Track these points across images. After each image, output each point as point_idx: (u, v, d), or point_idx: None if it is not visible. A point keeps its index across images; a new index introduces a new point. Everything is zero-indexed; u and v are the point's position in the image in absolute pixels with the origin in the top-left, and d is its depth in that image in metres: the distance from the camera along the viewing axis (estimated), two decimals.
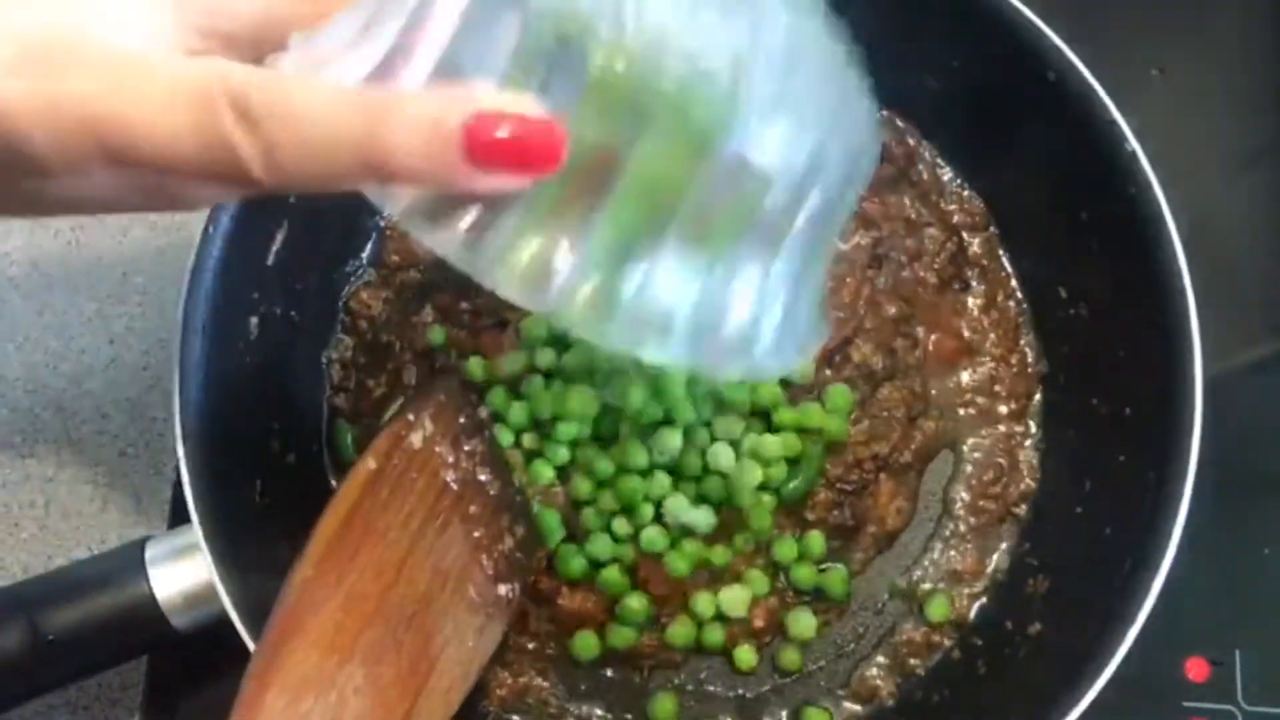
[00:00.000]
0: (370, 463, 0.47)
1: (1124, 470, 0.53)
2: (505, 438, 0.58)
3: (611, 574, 0.56)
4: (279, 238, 0.57)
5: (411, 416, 0.49)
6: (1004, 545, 0.59)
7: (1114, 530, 0.52)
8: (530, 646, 0.57)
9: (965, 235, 0.62)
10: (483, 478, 0.50)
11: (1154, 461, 0.51)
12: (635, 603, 0.56)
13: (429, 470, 0.49)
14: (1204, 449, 0.50)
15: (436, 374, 0.59)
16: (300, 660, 0.42)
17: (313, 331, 0.61)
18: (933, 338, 0.60)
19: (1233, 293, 0.63)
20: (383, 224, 0.63)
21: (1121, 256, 0.54)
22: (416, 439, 0.48)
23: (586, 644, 0.56)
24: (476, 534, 0.49)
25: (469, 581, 0.48)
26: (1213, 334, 0.51)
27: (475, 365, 0.60)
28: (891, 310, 0.60)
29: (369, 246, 0.63)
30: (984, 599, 0.58)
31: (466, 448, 0.50)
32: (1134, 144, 0.53)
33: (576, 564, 0.56)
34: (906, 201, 0.62)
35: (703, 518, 0.56)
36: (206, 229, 0.53)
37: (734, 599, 0.56)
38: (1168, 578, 0.49)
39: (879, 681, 0.57)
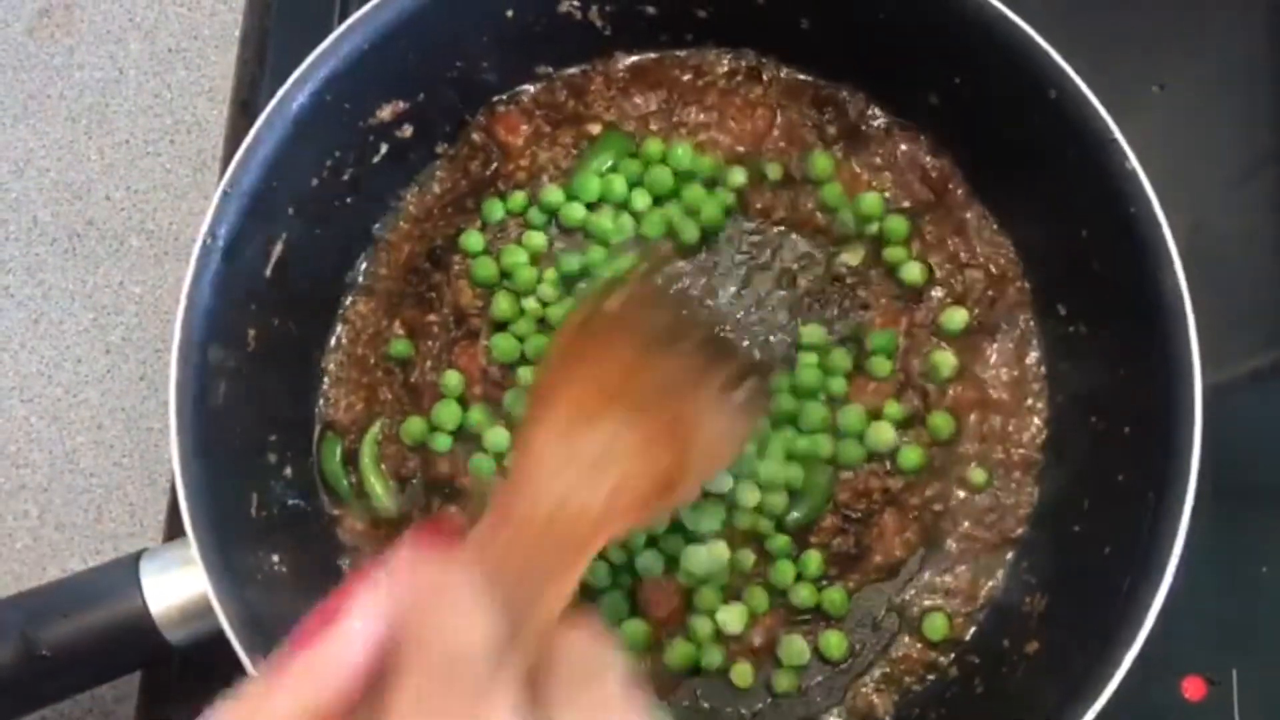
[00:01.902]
0: (577, 314, 0.49)
1: (1123, 489, 0.53)
2: (485, 464, 0.58)
3: (613, 600, 0.56)
4: (277, 249, 0.57)
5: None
6: (1002, 564, 0.58)
7: (1113, 549, 0.52)
8: None
9: (1001, 284, 0.61)
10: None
11: (1153, 481, 0.51)
12: (634, 628, 0.56)
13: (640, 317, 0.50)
14: (1201, 464, 0.50)
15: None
16: (564, 406, 0.44)
17: (311, 344, 0.61)
18: (958, 386, 0.60)
19: (1231, 305, 0.63)
20: (377, 235, 0.63)
21: (1121, 276, 0.54)
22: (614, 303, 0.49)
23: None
24: (702, 353, 0.50)
25: (703, 385, 0.48)
26: (1210, 347, 0.51)
27: (452, 378, 0.60)
28: (924, 350, 0.60)
29: (367, 258, 0.63)
30: (981, 617, 0.58)
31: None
32: (1134, 163, 0.53)
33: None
34: (948, 236, 0.62)
35: (716, 565, 0.56)
36: (205, 240, 0.52)
37: (732, 615, 0.56)
38: (1164, 596, 0.49)
39: (875, 699, 0.57)
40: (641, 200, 0.62)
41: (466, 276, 0.61)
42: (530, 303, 0.60)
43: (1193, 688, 0.58)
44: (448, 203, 0.63)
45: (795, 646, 0.56)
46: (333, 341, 0.62)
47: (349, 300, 0.62)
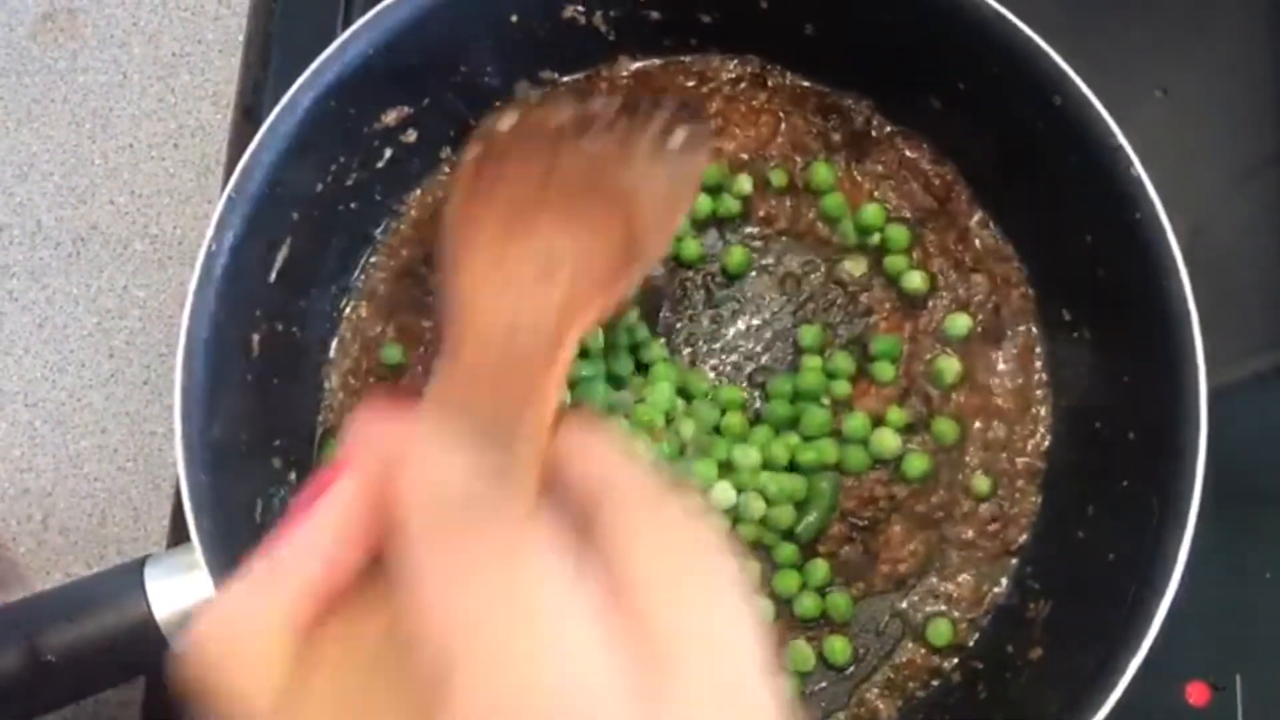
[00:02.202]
0: (474, 146, 0.47)
1: (1128, 495, 0.53)
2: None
3: None
4: (283, 254, 0.57)
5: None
6: (1006, 571, 0.58)
7: (1117, 556, 0.52)
8: None
9: (1004, 290, 0.61)
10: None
11: (1157, 486, 0.51)
12: None
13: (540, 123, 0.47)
14: (1206, 469, 0.50)
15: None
16: (487, 235, 0.41)
17: (315, 349, 0.61)
18: (962, 393, 0.60)
19: (1235, 308, 0.63)
20: (378, 239, 0.63)
21: (1125, 282, 0.54)
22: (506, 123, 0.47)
23: None
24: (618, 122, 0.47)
25: (632, 149, 0.46)
26: (1214, 351, 0.51)
27: (390, 350, 0.59)
28: (927, 356, 0.60)
29: (366, 262, 0.63)
30: (985, 623, 0.58)
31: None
32: (1139, 169, 0.52)
33: None
34: (951, 243, 0.62)
35: None
36: (210, 244, 0.52)
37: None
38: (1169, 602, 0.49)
39: (880, 704, 0.57)
40: None
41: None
42: None
43: (1197, 693, 0.58)
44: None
45: (801, 653, 0.56)
46: (333, 347, 0.62)
47: (348, 306, 0.62)
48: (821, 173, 0.62)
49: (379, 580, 0.29)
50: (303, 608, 0.28)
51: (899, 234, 0.61)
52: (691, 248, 0.61)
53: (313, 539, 0.29)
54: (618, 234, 0.43)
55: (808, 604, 0.57)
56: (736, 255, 0.61)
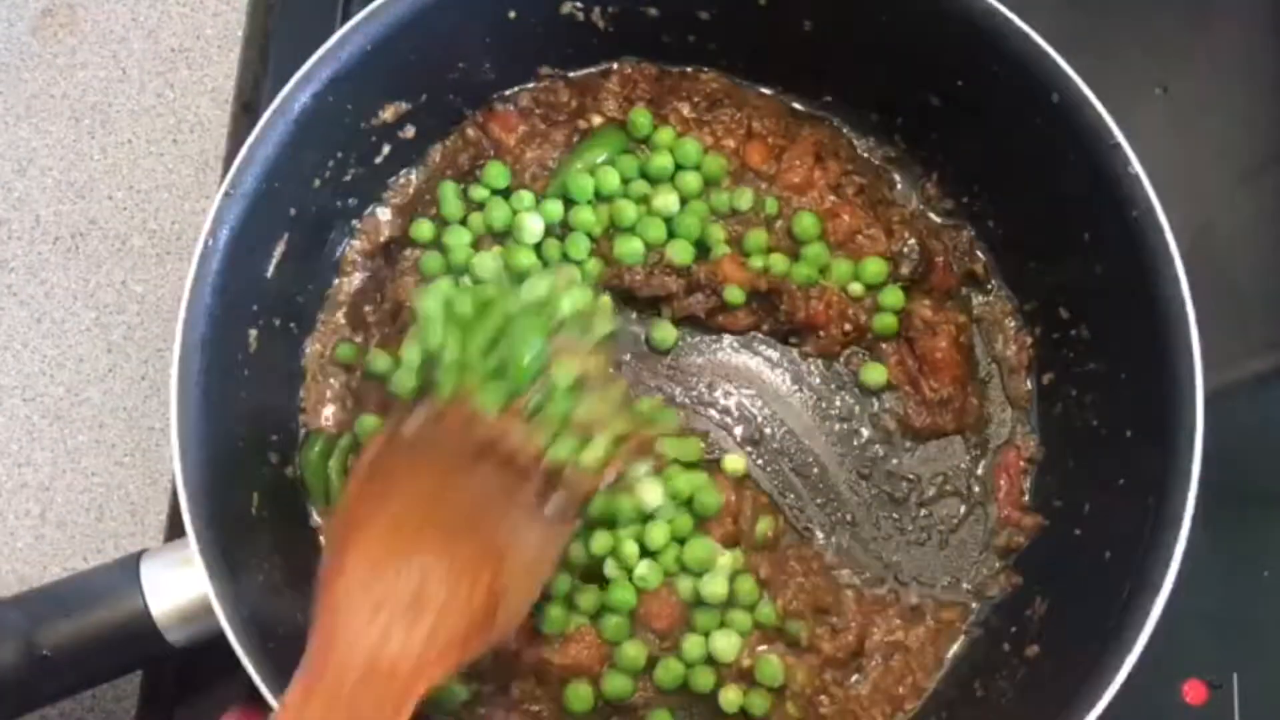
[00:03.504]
0: (376, 441, 0.49)
1: (1124, 493, 0.53)
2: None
3: (613, 621, 0.56)
4: (279, 250, 0.57)
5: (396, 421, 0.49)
6: (1002, 567, 0.59)
7: (1114, 554, 0.52)
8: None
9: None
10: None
11: (1154, 485, 0.51)
12: (632, 650, 0.56)
13: (439, 439, 0.49)
14: (1202, 467, 0.50)
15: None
16: (368, 546, 0.44)
17: (310, 345, 0.61)
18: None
19: (1233, 307, 0.63)
20: (356, 228, 0.63)
21: (1123, 279, 0.54)
22: (410, 428, 0.48)
23: (580, 695, 0.55)
24: (508, 469, 0.49)
25: (513, 502, 0.48)
26: (1212, 350, 0.51)
27: (378, 359, 0.59)
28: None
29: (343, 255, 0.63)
30: (981, 622, 0.58)
31: None
32: (1137, 167, 0.52)
33: (562, 616, 0.56)
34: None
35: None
36: (207, 240, 0.52)
37: (727, 645, 0.56)
38: (1165, 600, 0.49)
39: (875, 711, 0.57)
40: (639, 189, 0.62)
41: (413, 271, 0.61)
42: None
43: (1194, 691, 0.58)
44: (427, 194, 0.63)
45: (770, 666, 0.56)
46: (311, 344, 0.61)
47: (326, 301, 0.62)
48: (806, 220, 0.61)
49: None
50: None
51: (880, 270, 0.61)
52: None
53: None
54: (481, 593, 0.45)
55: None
56: None
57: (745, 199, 0.62)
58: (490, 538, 0.46)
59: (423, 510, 0.45)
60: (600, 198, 0.62)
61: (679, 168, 0.62)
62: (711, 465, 0.60)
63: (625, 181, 0.62)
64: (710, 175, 0.62)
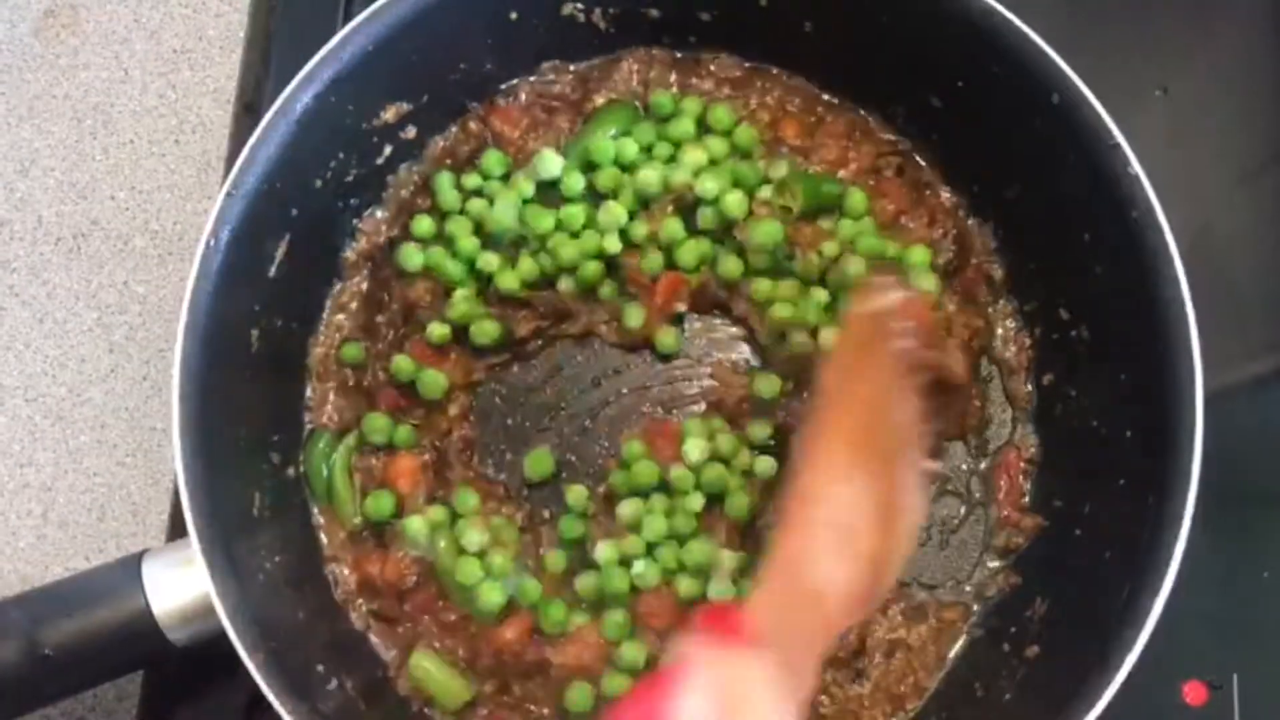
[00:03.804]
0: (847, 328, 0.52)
1: (1124, 494, 0.53)
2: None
3: (613, 619, 0.56)
4: (281, 251, 0.57)
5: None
6: (1002, 567, 0.59)
7: (1114, 554, 0.52)
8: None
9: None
10: None
11: (1154, 485, 0.51)
12: (632, 650, 0.56)
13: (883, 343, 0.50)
14: (1202, 468, 0.50)
15: None
16: (838, 452, 0.46)
17: (312, 345, 0.61)
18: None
19: (1233, 308, 0.63)
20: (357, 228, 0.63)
21: (1123, 279, 0.54)
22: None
23: (581, 696, 0.55)
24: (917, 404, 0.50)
25: (916, 445, 0.49)
26: (1212, 350, 0.51)
27: (403, 363, 0.60)
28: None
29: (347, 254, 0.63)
30: (981, 622, 0.58)
31: None
32: (1137, 168, 0.53)
33: (562, 616, 0.56)
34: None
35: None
36: (209, 241, 0.53)
37: None
38: (1165, 601, 0.49)
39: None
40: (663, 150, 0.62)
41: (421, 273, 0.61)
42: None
43: (1194, 692, 0.58)
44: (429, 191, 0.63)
45: None
46: (317, 344, 0.61)
47: (330, 301, 0.62)
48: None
49: None
50: None
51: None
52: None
53: None
54: (884, 546, 0.45)
55: None
56: None
57: (780, 169, 0.61)
58: (903, 481, 0.46)
59: (872, 421, 0.47)
60: (621, 167, 0.61)
61: (706, 132, 0.62)
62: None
63: (646, 149, 0.62)
64: (742, 145, 0.62)
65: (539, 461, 0.59)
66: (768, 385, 0.59)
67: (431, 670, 0.56)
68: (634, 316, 0.60)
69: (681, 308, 0.61)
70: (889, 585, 0.47)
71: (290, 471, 0.58)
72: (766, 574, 0.43)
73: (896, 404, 0.48)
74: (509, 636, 0.56)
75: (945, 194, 0.63)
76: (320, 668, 0.53)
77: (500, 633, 0.56)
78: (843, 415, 0.46)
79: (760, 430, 0.60)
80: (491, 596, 0.56)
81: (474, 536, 0.57)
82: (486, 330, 0.60)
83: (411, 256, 0.61)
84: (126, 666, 0.54)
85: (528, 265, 0.60)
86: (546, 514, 0.59)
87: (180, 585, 0.50)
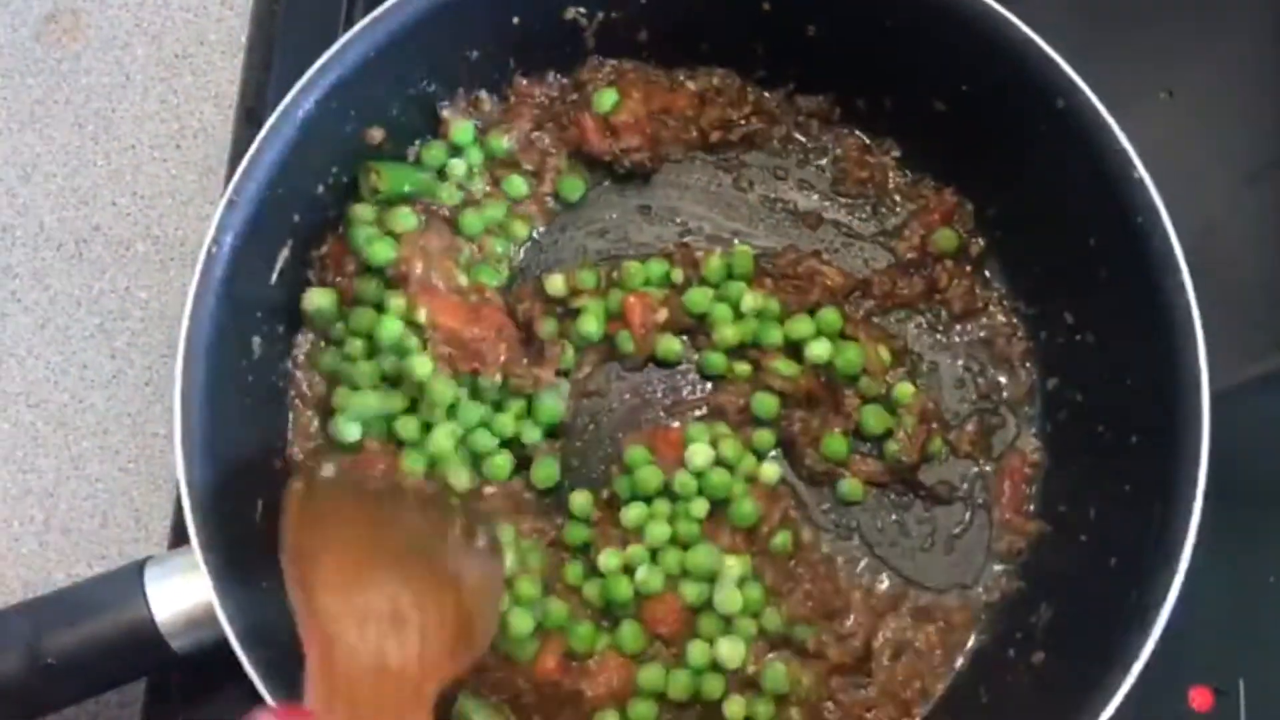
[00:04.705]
0: (298, 482, 0.50)
1: (1130, 499, 0.53)
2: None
3: (627, 630, 0.56)
4: (283, 256, 0.57)
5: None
6: (1007, 572, 0.58)
7: (1120, 560, 0.52)
8: None
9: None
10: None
11: (1160, 490, 0.51)
12: (652, 673, 0.55)
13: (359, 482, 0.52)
14: (1208, 472, 0.50)
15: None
16: (328, 572, 0.45)
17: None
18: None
19: (1239, 311, 0.63)
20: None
21: (1128, 284, 0.54)
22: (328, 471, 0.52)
23: None
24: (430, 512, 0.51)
25: (444, 536, 0.50)
26: (1218, 353, 0.51)
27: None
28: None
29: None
30: (986, 628, 0.58)
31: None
32: (1142, 172, 0.52)
33: (591, 634, 0.56)
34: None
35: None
36: (211, 247, 0.52)
37: (732, 652, 0.56)
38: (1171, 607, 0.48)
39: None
40: None
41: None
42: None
43: (1200, 698, 0.57)
44: None
45: (775, 673, 0.56)
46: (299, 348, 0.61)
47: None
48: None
49: None
50: None
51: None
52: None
53: None
54: (451, 613, 0.46)
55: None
56: None
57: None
58: (440, 566, 0.48)
59: (368, 540, 0.47)
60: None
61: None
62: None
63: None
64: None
65: (544, 469, 0.59)
66: (764, 405, 0.59)
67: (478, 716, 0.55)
68: (625, 343, 0.60)
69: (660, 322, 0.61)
70: (486, 634, 0.49)
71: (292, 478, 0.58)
72: (313, 688, 0.43)
73: (383, 519, 0.49)
74: (550, 666, 0.56)
75: (949, 196, 0.63)
76: None
77: (541, 662, 0.56)
78: (324, 551, 0.47)
79: (764, 436, 0.60)
80: (521, 625, 0.55)
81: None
82: None
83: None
84: (129, 674, 0.54)
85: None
86: (560, 521, 0.59)
87: (183, 593, 0.50)
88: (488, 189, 0.62)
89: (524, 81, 0.63)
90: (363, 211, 0.59)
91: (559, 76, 0.64)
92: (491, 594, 0.51)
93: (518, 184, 0.62)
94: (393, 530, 0.49)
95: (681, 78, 0.64)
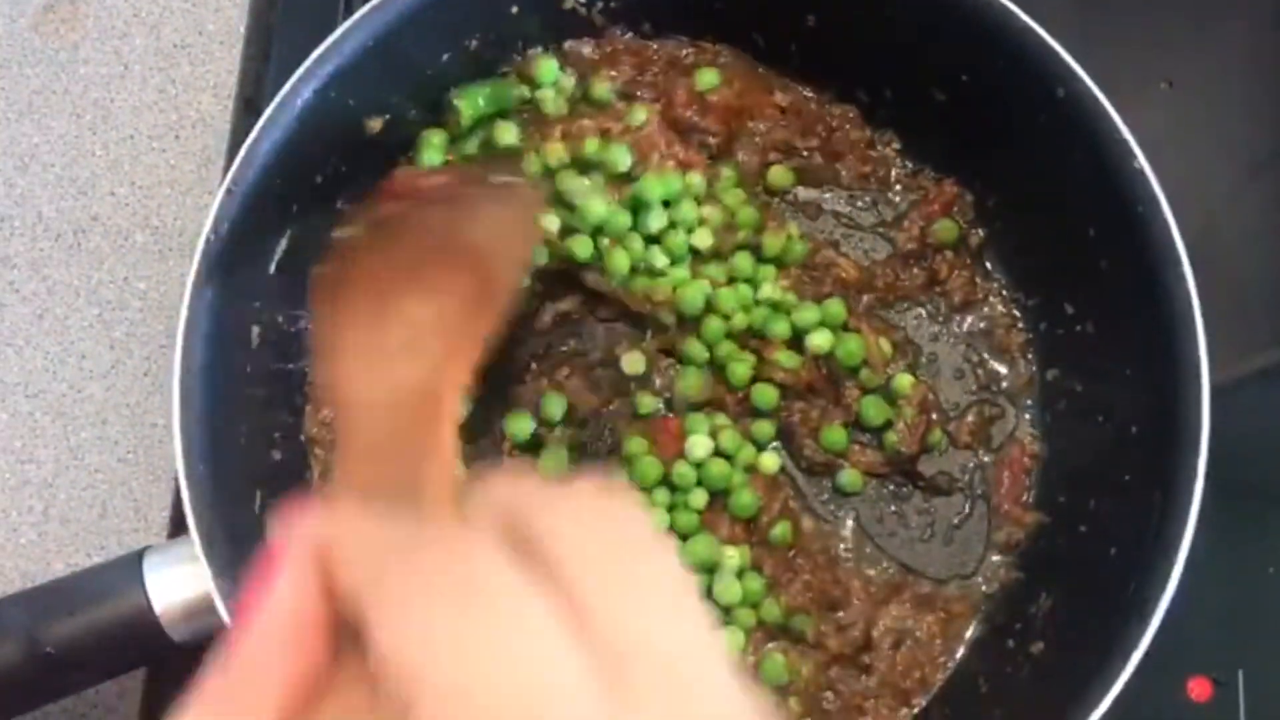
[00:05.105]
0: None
1: (1130, 489, 0.53)
2: None
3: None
4: (282, 246, 0.57)
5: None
6: (1006, 563, 0.58)
7: (1119, 550, 0.52)
8: None
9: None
10: None
11: (1160, 481, 0.51)
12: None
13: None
14: (1208, 463, 0.50)
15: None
16: (353, 315, 0.41)
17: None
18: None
19: (1239, 302, 0.63)
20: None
21: (1128, 274, 0.54)
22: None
23: None
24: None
25: (461, 210, 0.47)
26: (1218, 345, 0.51)
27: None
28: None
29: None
30: (986, 618, 0.58)
31: None
32: (1142, 161, 0.52)
33: None
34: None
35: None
36: (209, 236, 0.52)
37: (731, 642, 0.55)
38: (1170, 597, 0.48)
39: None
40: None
41: None
42: None
43: (1199, 688, 0.57)
44: None
45: (774, 664, 0.56)
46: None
47: None
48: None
49: (355, 662, 0.27)
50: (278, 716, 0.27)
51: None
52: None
53: (268, 643, 0.28)
54: (468, 283, 0.42)
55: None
56: None
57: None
58: (458, 243, 0.44)
59: (392, 274, 0.43)
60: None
61: None
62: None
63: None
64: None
65: (553, 459, 0.59)
66: (764, 396, 0.59)
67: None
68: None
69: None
70: (511, 281, 0.45)
71: (293, 469, 0.58)
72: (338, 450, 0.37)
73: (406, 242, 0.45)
74: None
75: (949, 187, 0.63)
76: None
77: None
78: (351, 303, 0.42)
79: (764, 427, 0.60)
80: None
81: None
82: None
83: None
84: (128, 664, 0.54)
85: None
86: None
87: (182, 582, 0.50)
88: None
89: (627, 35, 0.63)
90: (434, 136, 0.60)
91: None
92: (518, 227, 0.47)
93: (639, 112, 0.61)
94: (414, 241, 0.45)
95: (774, 87, 0.64)
